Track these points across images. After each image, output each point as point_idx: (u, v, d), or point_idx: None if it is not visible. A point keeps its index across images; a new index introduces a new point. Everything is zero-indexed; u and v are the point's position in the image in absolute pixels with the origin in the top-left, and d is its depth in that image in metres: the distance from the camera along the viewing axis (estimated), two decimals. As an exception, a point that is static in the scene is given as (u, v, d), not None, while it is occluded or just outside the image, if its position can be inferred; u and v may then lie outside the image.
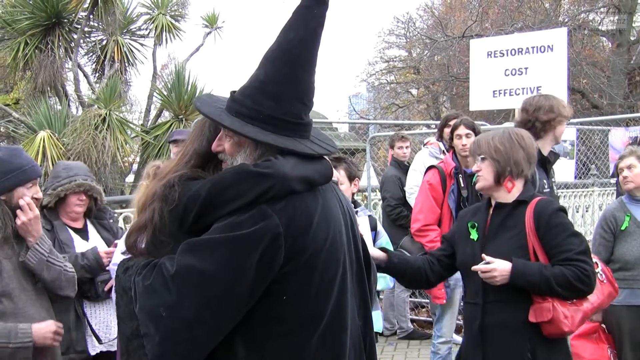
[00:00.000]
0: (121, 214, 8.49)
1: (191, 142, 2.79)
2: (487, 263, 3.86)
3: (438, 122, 9.83)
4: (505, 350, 3.94)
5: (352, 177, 5.36)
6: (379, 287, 5.22)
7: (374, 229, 5.40)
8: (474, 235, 4.14)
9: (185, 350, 2.44)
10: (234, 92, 2.67)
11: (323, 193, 2.69)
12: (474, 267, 3.91)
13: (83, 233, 5.23)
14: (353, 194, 5.48)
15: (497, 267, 3.82)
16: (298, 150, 2.60)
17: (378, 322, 5.26)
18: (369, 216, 5.45)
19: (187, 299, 2.41)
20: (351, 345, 2.69)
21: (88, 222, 5.34)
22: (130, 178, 16.33)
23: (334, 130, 16.85)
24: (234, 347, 2.51)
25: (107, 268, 4.76)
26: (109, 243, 5.23)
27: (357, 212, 5.33)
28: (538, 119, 5.12)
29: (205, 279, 2.42)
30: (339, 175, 5.26)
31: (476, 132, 6.46)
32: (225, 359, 2.52)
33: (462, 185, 6.40)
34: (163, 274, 2.45)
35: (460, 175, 6.44)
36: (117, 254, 4.42)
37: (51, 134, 12.18)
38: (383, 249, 4.37)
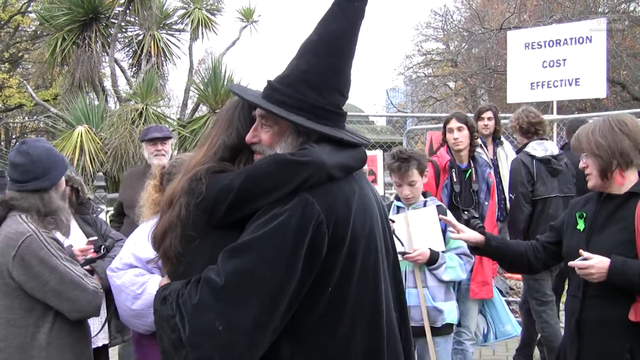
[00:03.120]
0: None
1: (218, 134, 2.71)
2: (585, 259, 3.69)
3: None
4: (602, 349, 3.75)
5: (422, 171, 5.34)
6: (448, 278, 5.17)
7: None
8: (581, 225, 3.95)
9: (245, 358, 2.37)
10: (271, 81, 2.63)
11: (359, 180, 2.65)
12: (571, 263, 3.73)
13: None
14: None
15: (594, 264, 3.63)
16: (345, 139, 2.58)
17: (453, 312, 5.27)
18: (438, 206, 5.36)
19: (242, 306, 2.34)
20: (390, 335, 2.65)
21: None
22: (167, 172, 16.40)
23: (370, 123, 16.80)
24: (279, 345, 2.44)
25: (114, 268, 4.36)
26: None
27: (426, 202, 5.33)
28: None
29: (258, 281, 2.34)
30: (412, 175, 5.24)
31: (469, 126, 6.37)
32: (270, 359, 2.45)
33: (455, 180, 6.32)
34: (211, 286, 2.35)
35: (453, 170, 6.35)
36: (127, 253, 4.33)
37: (89, 129, 12.30)
38: (482, 232, 4.31)
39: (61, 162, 4.08)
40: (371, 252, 2.57)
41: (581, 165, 3.96)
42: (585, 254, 3.69)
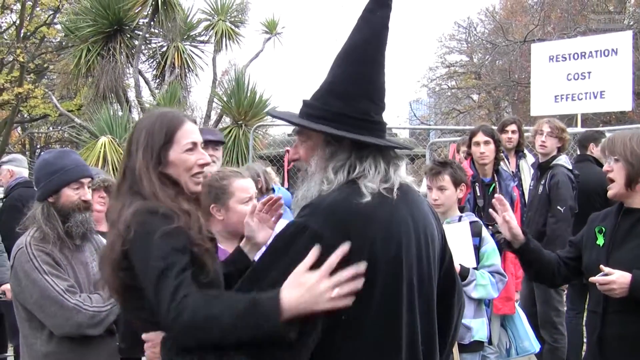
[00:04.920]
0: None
1: (133, 157, 2.84)
2: (606, 274, 3.63)
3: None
4: None
5: (457, 183, 5.20)
6: (477, 295, 5.05)
7: (478, 234, 5.18)
8: (600, 240, 3.91)
9: None
10: (306, 100, 2.68)
11: (391, 202, 2.55)
12: (592, 279, 3.68)
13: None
14: (459, 200, 5.35)
15: (615, 280, 3.58)
16: (373, 142, 2.55)
17: (482, 330, 5.16)
18: (473, 222, 5.23)
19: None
20: None
21: None
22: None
23: (393, 135, 16.76)
24: None
25: None
26: None
27: (461, 217, 5.21)
28: None
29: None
30: (443, 180, 5.16)
31: (495, 140, 6.32)
32: None
33: (479, 194, 6.23)
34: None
35: (477, 184, 6.27)
36: None
37: (112, 140, 12.37)
38: (524, 232, 4.10)
39: (58, 173, 3.98)
40: (393, 280, 2.49)
41: (606, 167, 3.90)
42: (606, 269, 3.63)
